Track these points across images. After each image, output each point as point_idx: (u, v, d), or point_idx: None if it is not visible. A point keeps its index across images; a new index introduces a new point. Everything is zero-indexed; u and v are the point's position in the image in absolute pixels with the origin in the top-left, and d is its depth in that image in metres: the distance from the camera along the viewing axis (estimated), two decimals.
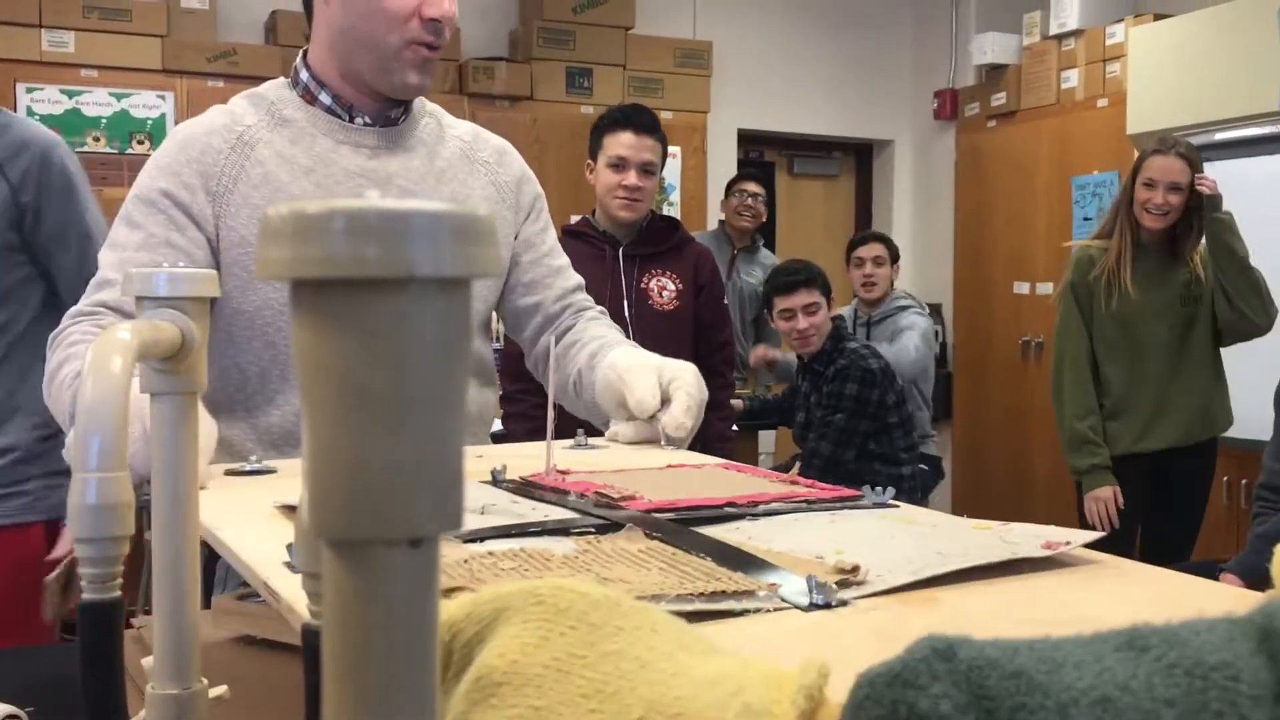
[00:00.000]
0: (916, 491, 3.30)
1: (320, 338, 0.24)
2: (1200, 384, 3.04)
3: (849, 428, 3.14)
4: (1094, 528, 2.74)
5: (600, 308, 1.72)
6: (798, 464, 3.25)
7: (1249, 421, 3.55)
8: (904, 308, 4.03)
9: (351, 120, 1.49)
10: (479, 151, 1.61)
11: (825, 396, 3.19)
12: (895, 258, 4.14)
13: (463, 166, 1.58)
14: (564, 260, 1.69)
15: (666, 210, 5.28)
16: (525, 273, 1.63)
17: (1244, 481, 3.87)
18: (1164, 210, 2.98)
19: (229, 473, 1.21)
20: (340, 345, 0.24)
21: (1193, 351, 3.05)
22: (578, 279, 1.70)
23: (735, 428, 3.29)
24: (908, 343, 3.77)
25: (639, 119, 2.87)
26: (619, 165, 2.83)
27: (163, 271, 0.67)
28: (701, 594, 0.69)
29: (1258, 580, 2.25)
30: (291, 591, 0.70)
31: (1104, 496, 3.04)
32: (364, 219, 0.22)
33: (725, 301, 3.07)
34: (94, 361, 0.57)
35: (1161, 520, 3.10)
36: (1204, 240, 3.07)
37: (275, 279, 0.23)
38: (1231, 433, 3.74)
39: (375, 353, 0.24)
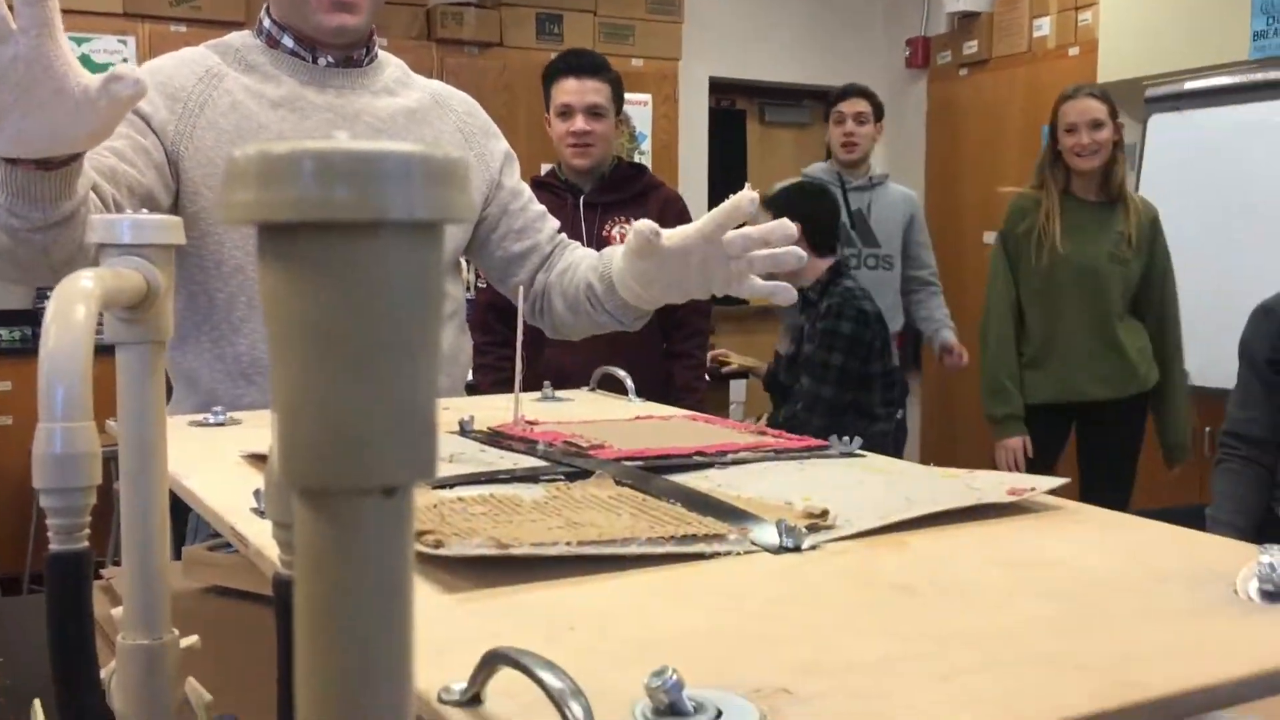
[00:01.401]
0: (888, 450, 3.25)
1: (289, 283, 0.23)
2: (1123, 340, 3.07)
3: (846, 368, 3.04)
4: None
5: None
6: (797, 406, 3.06)
7: (1213, 369, 3.60)
8: (886, 177, 3.74)
9: (315, 62, 1.49)
10: (449, 99, 1.62)
11: (819, 334, 3.04)
12: (879, 115, 3.73)
13: (434, 110, 1.59)
14: (542, 207, 1.71)
15: (637, 160, 5.25)
16: (516, 219, 1.65)
17: (1207, 429, 3.92)
18: (1094, 149, 3.00)
19: (193, 424, 1.20)
20: (310, 291, 0.23)
21: (1116, 308, 3.07)
22: (556, 221, 1.71)
23: (707, 377, 3.21)
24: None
25: (578, 62, 2.83)
26: (565, 113, 2.80)
27: (126, 218, 0.66)
28: (672, 537, 0.69)
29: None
30: (260, 537, 0.70)
31: (1013, 445, 3.10)
32: (333, 161, 0.22)
33: None
34: (56, 310, 0.56)
35: (1094, 475, 3.14)
36: (1138, 199, 3.09)
37: (241, 223, 0.23)
38: (1194, 380, 3.79)
39: (346, 299, 0.23)
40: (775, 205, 2.97)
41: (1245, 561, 0.64)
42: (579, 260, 1.61)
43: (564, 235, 1.70)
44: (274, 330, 0.24)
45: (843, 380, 3.00)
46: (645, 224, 1.27)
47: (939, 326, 3.63)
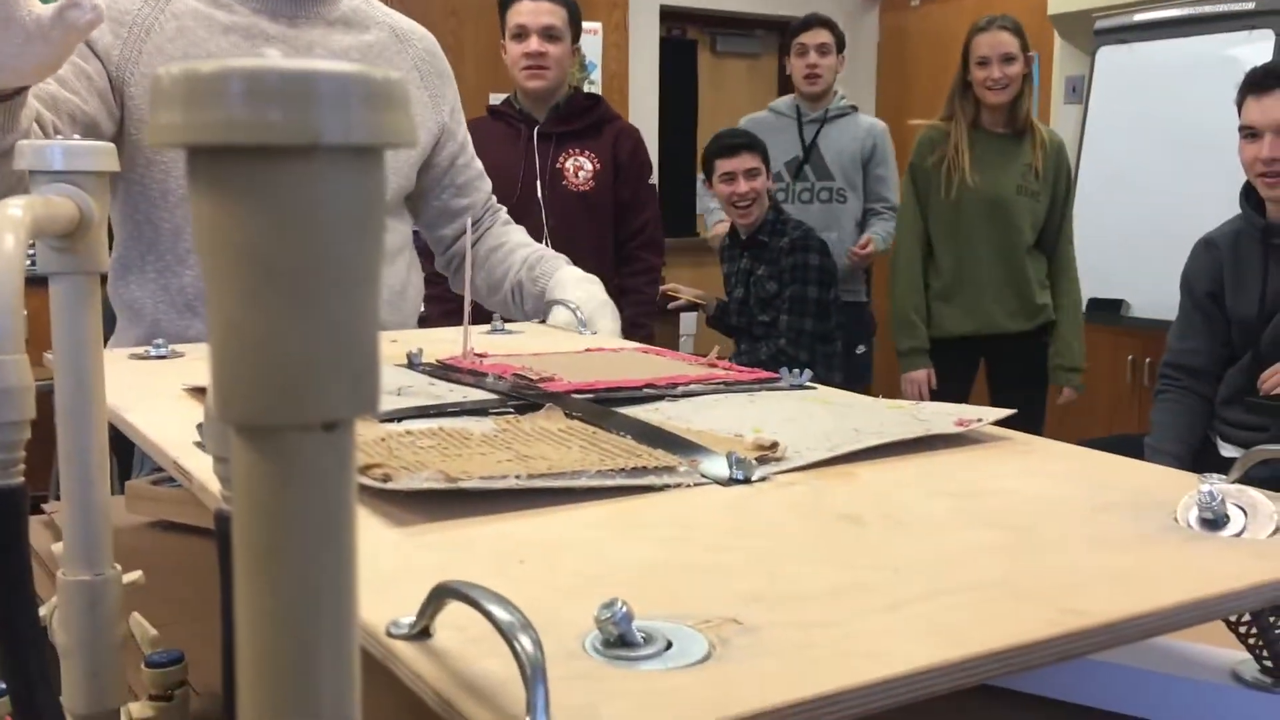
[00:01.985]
0: (847, 371, 3.30)
1: (221, 210, 0.22)
2: (1030, 272, 3.09)
3: (822, 299, 3.10)
4: None
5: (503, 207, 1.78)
6: (780, 342, 3.10)
7: (1152, 301, 3.66)
8: (852, 108, 3.64)
9: None
10: (409, 35, 1.60)
11: (788, 269, 3.10)
12: (841, 46, 3.65)
13: (392, 46, 1.56)
14: (481, 165, 1.73)
15: (587, 89, 5.18)
16: (460, 174, 1.67)
17: (1147, 360, 3.99)
18: (1004, 83, 3.01)
19: (134, 357, 1.18)
20: (243, 219, 0.22)
21: (1024, 240, 3.08)
22: (489, 183, 1.74)
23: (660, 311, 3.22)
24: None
25: None
26: (520, 34, 2.76)
27: (58, 144, 0.63)
28: (623, 469, 0.69)
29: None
30: (203, 471, 0.69)
31: (918, 379, 3.13)
32: (264, 80, 0.21)
33: (651, 182, 3.01)
34: None
35: (1005, 407, 3.17)
36: (1045, 130, 3.11)
37: (168, 146, 0.22)
38: (1135, 312, 3.85)
39: (281, 227, 0.22)
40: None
41: (1186, 490, 0.65)
42: (514, 245, 1.67)
43: (494, 199, 1.72)
44: (206, 259, 0.23)
45: (820, 311, 3.08)
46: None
47: (866, 234, 3.59)
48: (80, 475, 0.65)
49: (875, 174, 3.60)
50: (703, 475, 0.71)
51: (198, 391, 0.94)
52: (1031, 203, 3.06)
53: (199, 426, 0.74)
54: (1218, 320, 2.41)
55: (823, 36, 3.59)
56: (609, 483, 0.68)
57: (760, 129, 3.49)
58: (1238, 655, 0.70)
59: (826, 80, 3.58)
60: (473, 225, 1.65)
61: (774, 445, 0.76)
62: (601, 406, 0.89)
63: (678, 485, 0.69)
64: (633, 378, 0.99)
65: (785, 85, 6.31)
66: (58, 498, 0.68)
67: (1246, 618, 0.68)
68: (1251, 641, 0.68)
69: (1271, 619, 0.67)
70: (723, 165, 3.16)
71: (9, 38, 0.96)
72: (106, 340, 1.44)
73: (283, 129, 0.21)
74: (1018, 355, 3.14)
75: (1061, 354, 3.11)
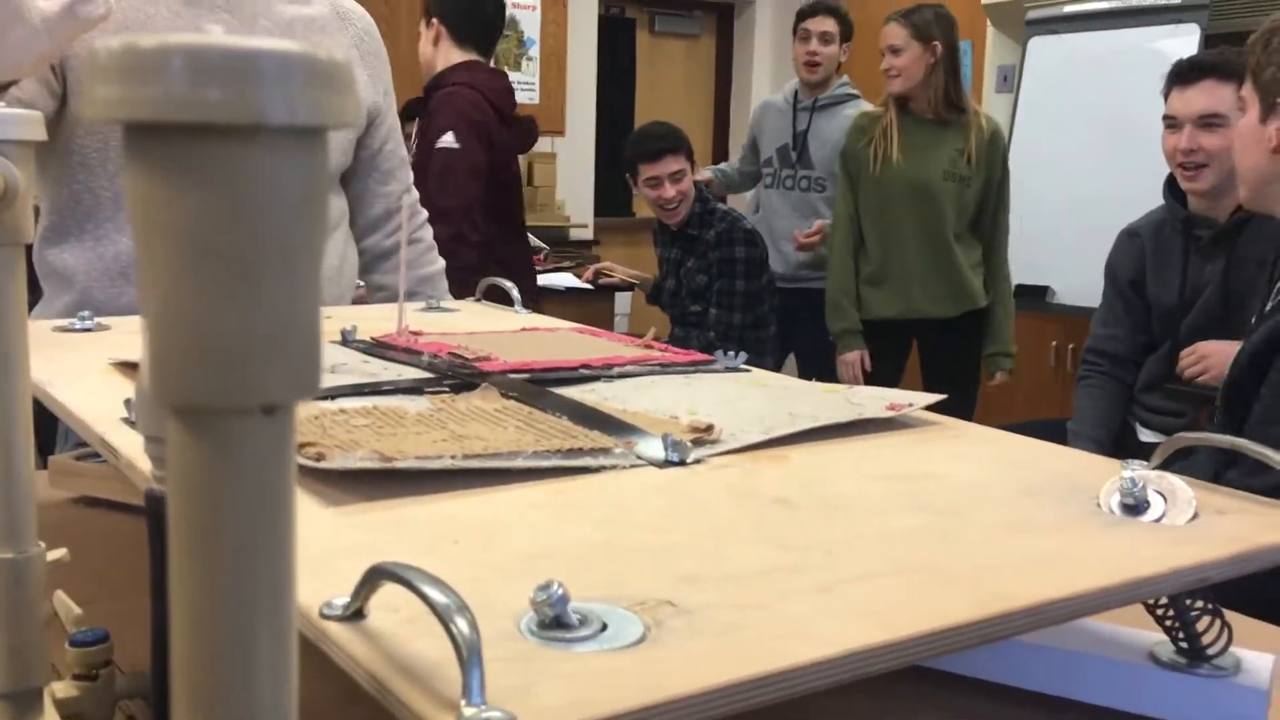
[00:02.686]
0: (780, 354, 3.33)
1: (158, 190, 0.22)
2: (959, 259, 3.10)
3: (750, 290, 3.11)
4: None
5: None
6: (709, 335, 3.12)
7: (1077, 289, 3.73)
8: (852, 96, 3.56)
9: None
10: (350, 14, 1.59)
11: (715, 263, 3.10)
12: (847, 35, 3.55)
13: (334, 22, 1.56)
14: (405, 152, 1.73)
15: (525, 66, 5.14)
16: (386, 160, 1.66)
17: (1070, 346, 4.08)
18: (894, 73, 3.04)
19: (59, 329, 1.15)
20: (181, 198, 0.22)
21: (950, 226, 3.09)
22: (410, 175, 1.75)
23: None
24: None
25: None
26: None
27: None
28: (558, 451, 0.69)
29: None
30: (131, 449, 0.68)
31: (851, 360, 3.14)
32: (206, 58, 0.20)
33: (440, 146, 2.69)
34: None
35: (937, 391, 3.21)
36: (983, 116, 3.11)
37: (104, 121, 0.21)
38: (1060, 299, 3.93)
39: (221, 208, 0.22)
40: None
41: (1108, 476, 0.67)
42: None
43: (409, 196, 1.71)
44: (142, 239, 0.22)
45: (748, 303, 3.10)
46: None
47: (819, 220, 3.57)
48: (4, 451, 0.63)
49: None
50: (638, 457, 0.71)
51: (125, 366, 0.92)
52: (959, 189, 3.06)
53: (127, 402, 0.73)
54: (1139, 309, 2.46)
55: (826, 25, 3.50)
56: (545, 464, 0.68)
57: (769, 113, 3.51)
58: (1155, 637, 0.72)
59: (826, 69, 3.50)
60: (385, 215, 1.67)
61: (709, 428, 0.76)
62: (537, 386, 0.88)
63: (613, 467, 0.69)
64: (569, 358, 0.99)
65: (722, 67, 6.33)
66: None
67: (1164, 601, 0.70)
68: (1169, 624, 0.70)
69: (1188, 602, 0.69)
70: (646, 170, 3.11)
71: (16, 34, 0.99)
72: (31, 310, 1.41)
73: (224, 108, 0.21)
74: (946, 340, 3.16)
75: (994, 340, 3.14)
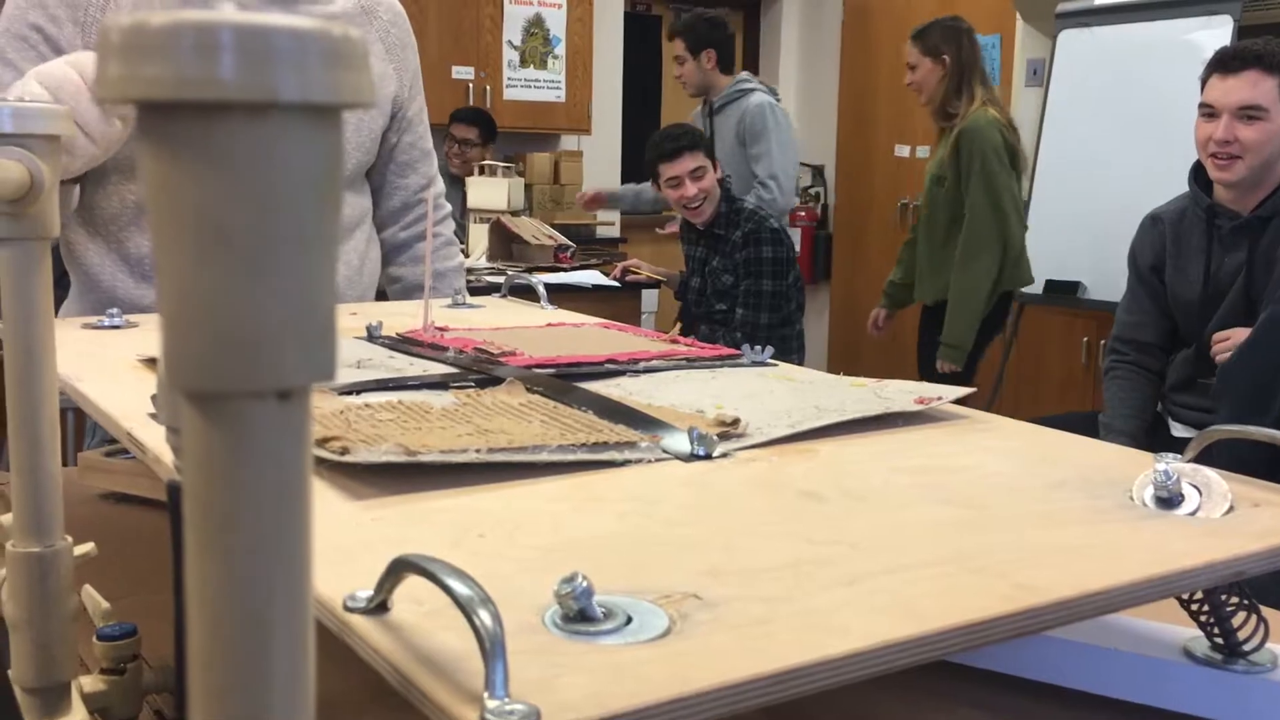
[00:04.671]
0: (804, 350, 3.35)
1: (171, 170, 0.22)
2: (944, 255, 3.34)
3: (777, 290, 3.12)
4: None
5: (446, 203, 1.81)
6: (736, 335, 3.14)
7: (1109, 283, 3.69)
8: (745, 92, 3.69)
9: None
10: (376, 8, 1.57)
11: (742, 264, 3.11)
12: (698, 49, 3.69)
13: (359, 18, 1.55)
14: (430, 144, 1.72)
15: (551, 64, 5.16)
16: (404, 152, 1.64)
17: (1102, 341, 4.04)
18: (916, 89, 3.43)
19: (87, 326, 1.16)
20: (194, 179, 0.21)
21: (937, 225, 3.35)
22: (436, 168, 1.74)
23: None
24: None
25: None
26: None
27: (7, 106, 0.62)
28: (584, 444, 0.69)
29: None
30: (157, 443, 0.68)
31: (873, 314, 3.68)
32: (217, 34, 0.20)
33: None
34: None
35: (930, 376, 3.38)
36: (969, 121, 3.27)
37: (114, 100, 0.21)
38: (1090, 294, 3.89)
39: (234, 187, 0.22)
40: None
41: (1141, 469, 0.66)
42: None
43: (435, 189, 1.72)
44: (155, 220, 0.22)
45: (775, 303, 3.10)
46: None
47: None
48: (30, 445, 0.63)
49: (750, 154, 3.68)
50: (664, 451, 0.70)
51: (152, 362, 0.93)
52: (942, 191, 3.32)
53: (153, 398, 0.73)
54: (1161, 295, 2.43)
55: (676, 49, 3.74)
56: (570, 457, 0.67)
57: (696, 123, 3.67)
58: (1189, 632, 0.71)
59: (692, 84, 3.73)
60: (403, 208, 1.67)
61: (735, 421, 0.76)
62: (563, 381, 0.88)
63: (639, 460, 0.69)
64: (595, 353, 0.99)
65: (749, 63, 6.31)
66: (7, 469, 0.66)
67: (1199, 595, 0.69)
68: (1203, 619, 0.69)
69: (1223, 597, 0.68)
70: (666, 170, 3.12)
71: (77, 156, 1.20)
72: (59, 307, 1.42)
73: (237, 85, 0.20)
74: (928, 329, 3.48)
75: (946, 330, 3.35)
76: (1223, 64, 2.26)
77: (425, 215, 1.76)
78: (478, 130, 4.40)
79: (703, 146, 3.15)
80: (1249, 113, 2.20)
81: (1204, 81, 2.29)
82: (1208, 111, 2.27)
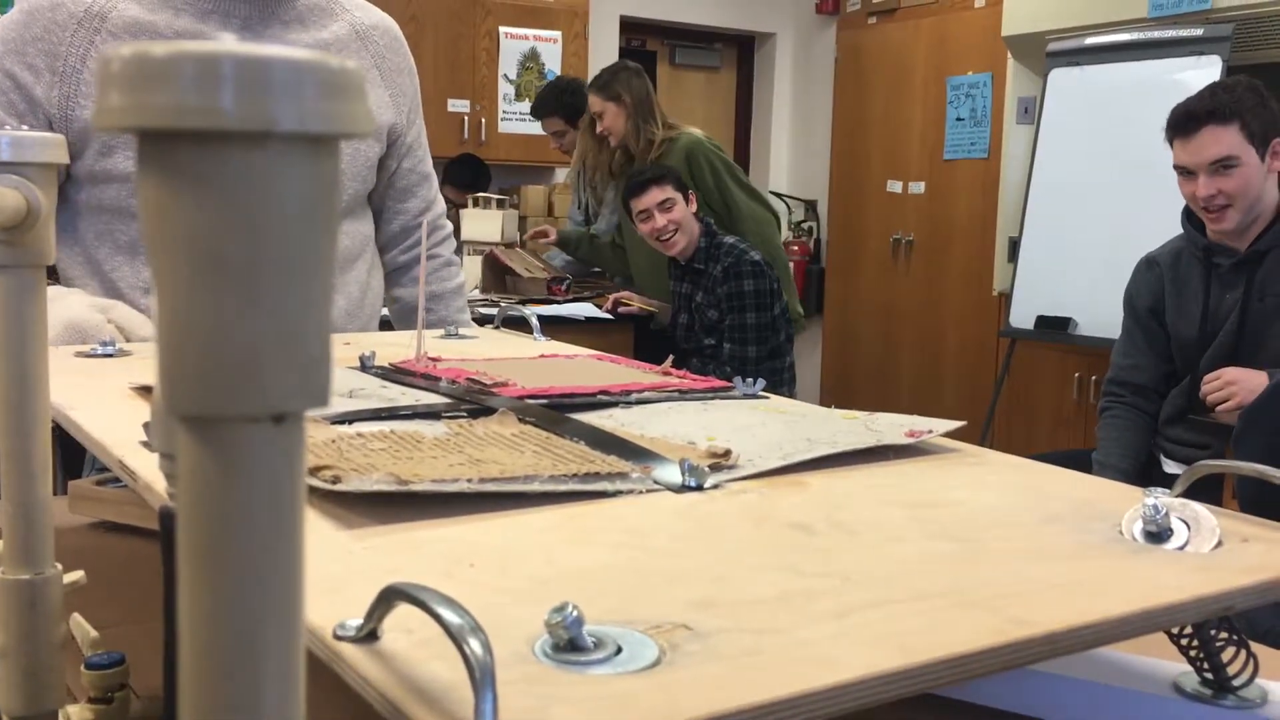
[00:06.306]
0: (794, 381, 3.35)
1: (169, 198, 0.22)
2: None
3: (762, 322, 3.13)
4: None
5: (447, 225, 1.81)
6: (726, 370, 3.15)
7: (1100, 320, 3.71)
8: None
9: None
10: (371, 33, 1.56)
11: (724, 299, 3.12)
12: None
13: (352, 44, 1.53)
14: (430, 167, 1.72)
15: None
16: (403, 178, 1.65)
17: (1094, 378, 4.05)
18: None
19: (80, 354, 1.16)
20: (192, 206, 0.22)
21: None
22: (436, 190, 1.74)
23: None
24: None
25: None
26: None
27: (5, 134, 0.62)
28: (575, 475, 0.69)
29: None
30: (149, 471, 0.68)
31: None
32: (217, 65, 0.20)
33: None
34: None
35: None
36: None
37: (114, 129, 0.21)
38: (1081, 330, 3.90)
39: (231, 215, 0.22)
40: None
41: (1130, 503, 0.66)
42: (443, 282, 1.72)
43: (435, 212, 1.72)
44: (152, 247, 0.22)
45: (761, 336, 3.10)
46: None
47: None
48: (21, 473, 0.63)
49: None
50: (655, 482, 0.70)
51: (145, 391, 0.93)
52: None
53: (145, 425, 0.73)
54: (1159, 337, 2.44)
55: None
56: (561, 488, 0.68)
57: None
58: (1179, 667, 0.71)
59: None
60: (403, 232, 1.67)
61: (727, 453, 0.76)
62: (555, 412, 0.88)
63: (630, 491, 0.69)
64: (587, 384, 0.99)
65: (742, 99, 6.36)
66: None
67: (1188, 630, 0.69)
68: (1193, 653, 0.69)
69: (1213, 631, 0.68)
70: (636, 204, 3.18)
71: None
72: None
73: (236, 115, 0.21)
74: None
75: None
76: (1178, 128, 2.27)
77: (426, 244, 1.77)
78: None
79: (671, 179, 3.18)
80: (1222, 166, 2.22)
81: (1170, 143, 2.31)
82: (1184, 172, 2.29)
